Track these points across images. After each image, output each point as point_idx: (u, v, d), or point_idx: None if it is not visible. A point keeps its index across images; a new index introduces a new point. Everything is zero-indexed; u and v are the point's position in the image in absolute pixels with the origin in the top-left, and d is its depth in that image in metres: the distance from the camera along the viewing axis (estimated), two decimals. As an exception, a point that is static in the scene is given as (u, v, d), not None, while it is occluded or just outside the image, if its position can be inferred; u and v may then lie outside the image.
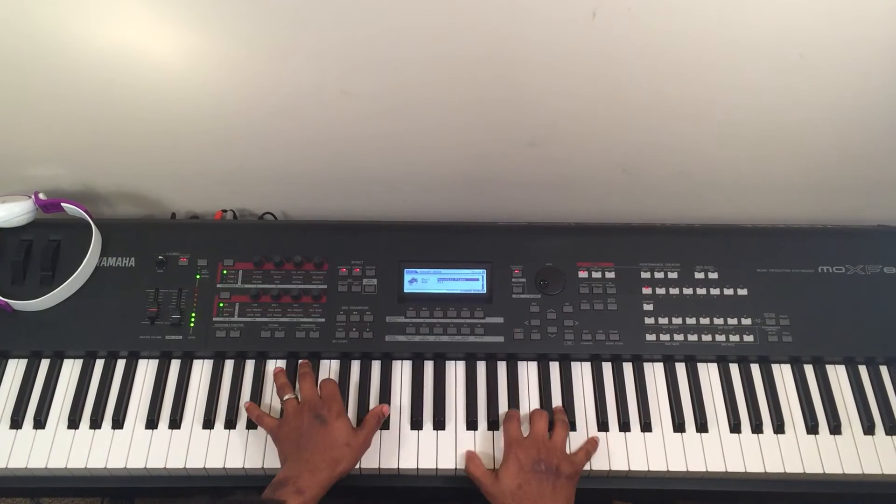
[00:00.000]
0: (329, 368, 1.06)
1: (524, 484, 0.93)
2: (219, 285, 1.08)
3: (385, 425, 1.02)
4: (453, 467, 0.99)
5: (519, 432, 0.99)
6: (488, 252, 1.11)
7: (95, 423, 1.01)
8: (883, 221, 1.21)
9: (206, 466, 0.99)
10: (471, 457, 0.99)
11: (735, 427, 1.02)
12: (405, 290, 1.09)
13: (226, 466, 0.99)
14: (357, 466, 0.98)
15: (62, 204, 1.10)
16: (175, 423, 1.01)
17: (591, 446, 1.00)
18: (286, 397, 1.01)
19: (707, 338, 1.06)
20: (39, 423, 1.01)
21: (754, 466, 0.99)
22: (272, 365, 1.06)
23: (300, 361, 1.07)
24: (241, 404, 1.03)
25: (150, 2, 0.89)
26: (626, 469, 0.99)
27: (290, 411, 0.99)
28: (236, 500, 0.69)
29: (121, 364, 1.06)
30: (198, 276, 1.09)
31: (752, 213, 1.23)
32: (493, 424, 1.02)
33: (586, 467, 0.99)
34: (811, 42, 0.94)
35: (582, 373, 1.07)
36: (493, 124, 1.08)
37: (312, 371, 1.05)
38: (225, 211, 1.25)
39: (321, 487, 0.90)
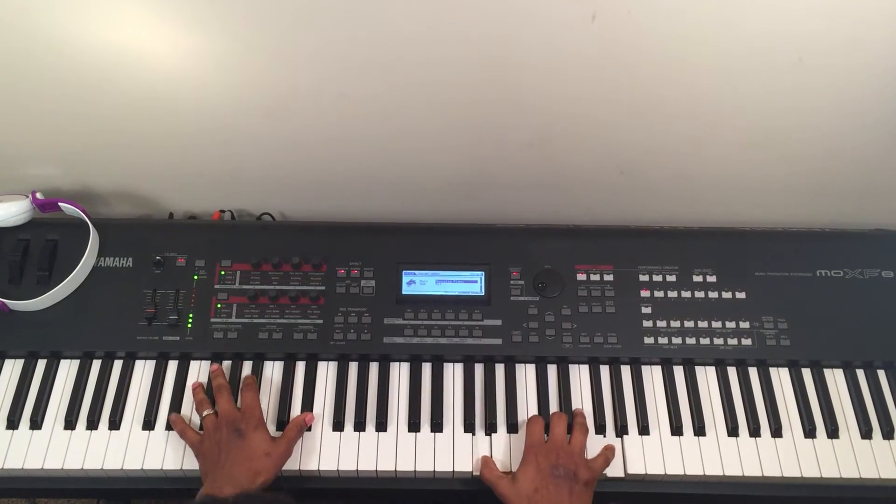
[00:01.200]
0: (327, 370, 1.06)
1: (541, 488, 0.92)
2: (216, 286, 1.08)
3: (382, 427, 1.01)
4: (450, 470, 0.99)
5: (541, 436, 0.99)
6: (486, 254, 1.11)
7: (92, 424, 1.01)
8: (881, 225, 1.21)
9: (203, 468, 0.99)
10: (486, 462, 0.98)
11: (733, 431, 1.02)
12: (403, 292, 1.09)
13: (222, 468, 0.99)
14: (354, 469, 0.98)
15: (59, 203, 1.10)
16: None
17: (609, 453, 0.99)
18: (205, 413, 0.99)
19: (705, 341, 1.06)
20: (36, 423, 1.01)
21: (752, 470, 0.99)
22: (269, 366, 1.06)
23: (211, 369, 1.04)
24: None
25: (148, 2, 0.88)
26: (623, 473, 0.99)
27: (209, 428, 0.97)
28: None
29: (118, 364, 1.06)
30: (195, 277, 1.09)
31: (751, 216, 1.23)
32: (490, 427, 1.02)
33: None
34: (809, 46, 0.94)
35: (580, 376, 1.06)
36: (491, 126, 1.08)
37: (227, 381, 1.03)
38: (223, 211, 1.25)
39: None
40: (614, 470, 0.99)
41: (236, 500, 0.67)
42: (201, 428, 0.99)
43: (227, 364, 1.06)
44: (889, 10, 0.89)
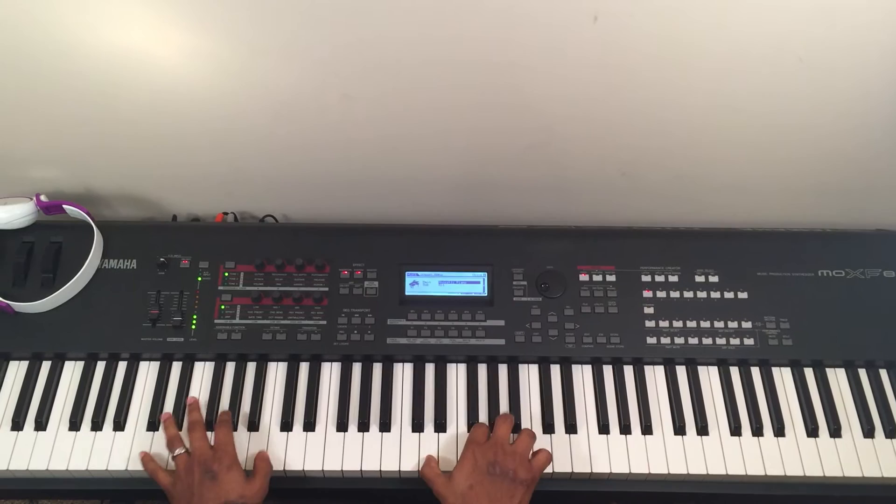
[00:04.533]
0: (330, 371, 1.06)
1: (476, 485, 0.92)
2: (220, 287, 1.08)
3: (386, 428, 1.02)
4: (454, 470, 0.99)
5: (483, 436, 0.98)
6: (489, 255, 1.12)
7: (97, 425, 1.01)
8: (882, 226, 1.21)
9: (208, 468, 0.99)
10: (428, 460, 0.99)
11: (735, 430, 1.02)
12: (406, 293, 1.09)
13: (227, 468, 0.99)
14: (359, 469, 0.99)
15: (63, 206, 1.10)
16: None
17: (545, 452, 0.98)
18: (176, 452, 0.96)
19: (707, 341, 1.06)
20: (41, 424, 1.01)
21: (754, 469, 0.99)
22: (273, 367, 1.06)
23: (188, 401, 1.02)
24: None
25: (152, 4, 0.89)
26: (627, 472, 0.99)
27: (181, 469, 0.95)
28: None
29: (122, 366, 1.06)
30: (199, 279, 1.09)
31: (752, 216, 1.23)
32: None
33: (586, 469, 0.99)
34: (810, 46, 0.94)
35: (583, 376, 1.07)
36: (494, 128, 1.08)
37: (201, 416, 1.01)
38: (226, 213, 1.25)
39: None
40: (617, 469, 0.99)
41: None
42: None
43: (230, 366, 1.06)
44: (889, 9, 0.89)
